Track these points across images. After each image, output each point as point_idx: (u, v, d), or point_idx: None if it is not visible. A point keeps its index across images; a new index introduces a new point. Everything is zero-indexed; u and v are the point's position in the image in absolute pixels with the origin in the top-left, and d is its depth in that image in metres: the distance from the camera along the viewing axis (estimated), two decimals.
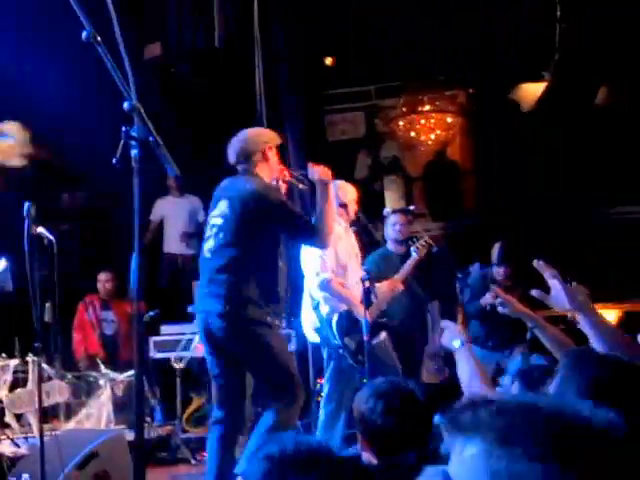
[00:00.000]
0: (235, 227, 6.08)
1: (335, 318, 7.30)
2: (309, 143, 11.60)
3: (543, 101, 12.12)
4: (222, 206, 6.25)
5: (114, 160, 3.00)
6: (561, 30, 11.67)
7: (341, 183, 7.61)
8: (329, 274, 7.23)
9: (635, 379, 2.56)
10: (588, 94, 12.16)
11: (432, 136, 12.45)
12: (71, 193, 12.09)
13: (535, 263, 4.05)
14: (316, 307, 7.36)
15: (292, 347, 9.02)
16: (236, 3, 11.55)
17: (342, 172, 12.28)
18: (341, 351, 7.26)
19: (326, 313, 7.35)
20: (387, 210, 8.96)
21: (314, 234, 6.13)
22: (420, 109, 12.48)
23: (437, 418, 3.67)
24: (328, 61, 12.86)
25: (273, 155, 6.37)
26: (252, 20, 11.19)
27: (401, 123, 12.52)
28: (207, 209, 6.48)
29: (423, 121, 12.44)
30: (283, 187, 6.47)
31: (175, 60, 12.03)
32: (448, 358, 9.02)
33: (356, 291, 7.21)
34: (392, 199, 11.93)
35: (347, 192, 7.69)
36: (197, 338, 8.57)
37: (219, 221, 6.21)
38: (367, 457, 3.62)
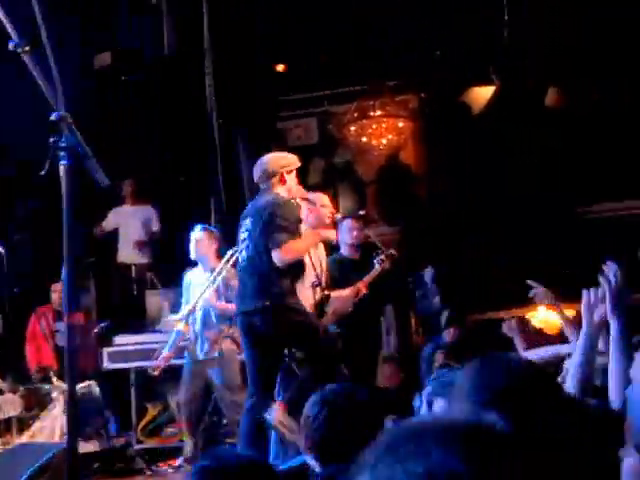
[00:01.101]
0: (257, 236, 6.85)
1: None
2: (261, 150, 11.58)
3: (493, 104, 12.19)
4: (247, 222, 7.05)
5: (42, 171, 2.98)
6: (509, 33, 11.75)
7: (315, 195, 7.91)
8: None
9: (528, 388, 2.56)
10: (537, 96, 12.25)
11: (384, 141, 12.47)
12: (24, 202, 11.99)
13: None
14: None
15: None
16: (186, 10, 11.52)
17: (296, 178, 12.39)
18: (287, 359, 7.30)
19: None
20: (339, 216, 8.97)
21: (281, 251, 6.71)
22: (371, 114, 12.50)
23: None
24: (280, 68, 12.85)
25: (291, 178, 7.08)
26: (202, 27, 11.20)
27: (353, 128, 12.53)
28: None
29: (375, 126, 12.45)
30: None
31: (126, 68, 11.97)
32: (403, 362, 9.05)
33: (310, 297, 7.32)
34: (345, 204, 11.93)
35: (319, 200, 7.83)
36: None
37: (245, 235, 7.03)
38: (312, 464, 3.61)
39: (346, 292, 7.84)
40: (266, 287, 6.80)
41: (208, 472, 2.20)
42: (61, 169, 3.00)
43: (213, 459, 2.27)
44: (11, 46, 3.04)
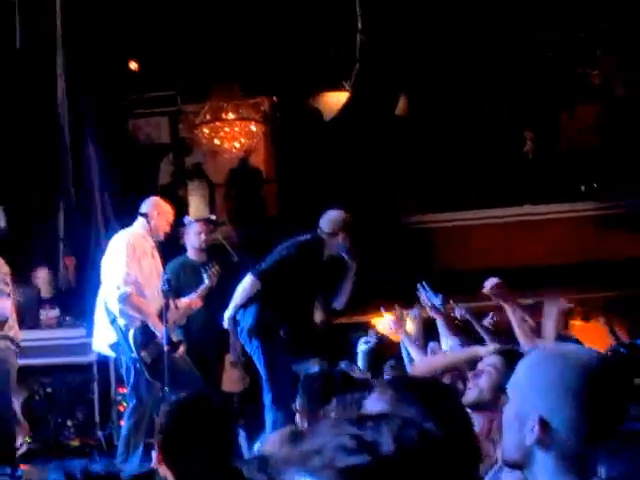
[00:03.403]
0: None
1: (131, 332, 7.33)
2: (112, 148, 11.49)
3: (345, 110, 12.39)
4: None
5: None
6: (361, 41, 11.97)
7: (157, 200, 7.80)
8: (130, 288, 7.27)
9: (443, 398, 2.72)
10: (388, 104, 12.51)
11: (236, 144, 12.51)
12: None
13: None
14: (113, 321, 7.36)
15: (94, 356, 8.94)
16: (40, 3, 11.31)
17: (146, 178, 12.33)
18: (138, 365, 7.29)
19: (123, 326, 7.37)
20: (189, 219, 8.97)
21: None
22: (224, 117, 12.52)
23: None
24: (132, 65, 12.74)
25: None
26: (55, 21, 11.02)
27: (205, 130, 12.53)
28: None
29: (227, 129, 12.48)
30: None
31: None
32: (248, 367, 9.13)
33: (156, 304, 7.31)
34: (195, 206, 11.91)
35: (161, 210, 7.78)
36: None
37: None
38: (163, 472, 3.63)
39: (183, 303, 7.85)
40: None
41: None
42: None
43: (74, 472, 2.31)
44: None
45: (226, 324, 7.53)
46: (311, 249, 7.51)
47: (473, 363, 4.98)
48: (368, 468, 1.34)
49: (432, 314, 5.86)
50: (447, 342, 6.35)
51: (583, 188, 12.51)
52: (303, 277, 7.45)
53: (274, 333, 7.51)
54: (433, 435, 1.47)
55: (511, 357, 3.95)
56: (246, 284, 7.42)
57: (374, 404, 2.69)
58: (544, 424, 2.21)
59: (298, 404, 4.58)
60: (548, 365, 2.29)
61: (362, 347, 8.41)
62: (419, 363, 5.89)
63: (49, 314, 9.83)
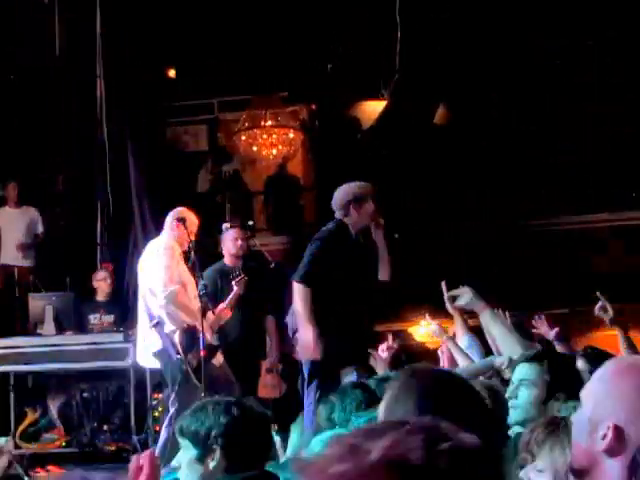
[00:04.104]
0: None
1: (177, 335, 7.30)
2: (150, 155, 11.53)
3: (382, 119, 12.37)
4: None
5: None
6: (401, 50, 11.94)
7: (182, 211, 7.77)
8: (176, 286, 7.26)
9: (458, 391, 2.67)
10: (426, 113, 12.49)
11: (274, 151, 12.55)
12: None
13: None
14: (156, 325, 7.32)
15: (130, 361, 8.95)
16: (79, 14, 11.38)
17: (184, 185, 12.37)
18: (184, 367, 7.26)
19: (169, 330, 7.34)
20: (226, 225, 8.96)
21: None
22: (262, 124, 12.56)
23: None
24: (171, 73, 12.81)
25: None
26: (94, 28, 11.09)
27: (243, 138, 12.57)
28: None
29: (265, 136, 12.52)
30: None
31: (15, 72, 11.77)
32: (284, 374, 9.11)
33: (196, 307, 7.32)
34: (233, 213, 11.94)
35: (185, 221, 7.75)
36: None
37: None
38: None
39: (218, 310, 7.80)
40: None
41: None
42: None
43: None
44: None
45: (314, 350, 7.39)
46: (337, 235, 7.42)
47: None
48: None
49: (450, 310, 5.69)
50: (462, 340, 6.37)
51: None
52: (342, 266, 7.35)
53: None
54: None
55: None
56: (301, 295, 7.23)
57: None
58: (619, 432, 2.16)
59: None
60: (631, 374, 2.25)
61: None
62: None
63: (103, 318, 9.82)
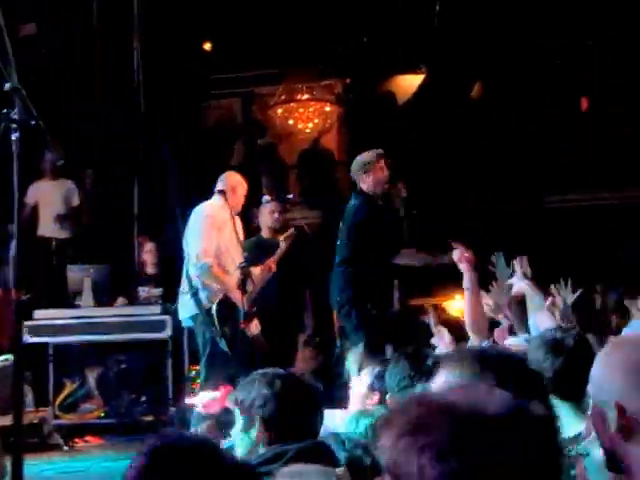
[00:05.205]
0: None
1: (214, 306, 7.30)
2: (186, 128, 11.55)
3: (419, 93, 12.31)
4: None
5: None
6: (439, 24, 11.88)
7: (232, 175, 7.77)
8: (210, 259, 7.25)
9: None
10: (463, 88, 12.42)
11: (310, 125, 12.51)
12: None
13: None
14: (195, 294, 7.34)
15: (168, 333, 8.97)
16: None
17: (218, 159, 12.36)
18: (218, 339, 7.26)
19: (205, 299, 7.35)
20: (266, 198, 8.96)
21: None
22: (298, 97, 12.51)
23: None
24: (206, 46, 12.78)
25: None
26: (132, 4, 11.08)
27: (279, 111, 12.54)
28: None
29: (302, 110, 12.48)
30: None
31: (49, 40, 11.79)
32: (322, 345, 9.12)
33: (235, 278, 7.27)
34: (268, 187, 11.93)
35: (233, 182, 7.72)
36: None
37: None
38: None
39: (257, 270, 7.77)
40: None
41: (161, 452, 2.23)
42: (13, 142, 2.97)
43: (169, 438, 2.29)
44: None
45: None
46: (368, 206, 7.51)
47: None
48: None
49: (460, 265, 5.51)
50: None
51: None
52: (381, 237, 7.43)
53: (366, 306, 7.47)
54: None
55: None
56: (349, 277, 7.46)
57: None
58: (621, 410, 2.13)
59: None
60: (618, 351, 2.24)
61: None
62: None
63: (151, 292, 9.83)
